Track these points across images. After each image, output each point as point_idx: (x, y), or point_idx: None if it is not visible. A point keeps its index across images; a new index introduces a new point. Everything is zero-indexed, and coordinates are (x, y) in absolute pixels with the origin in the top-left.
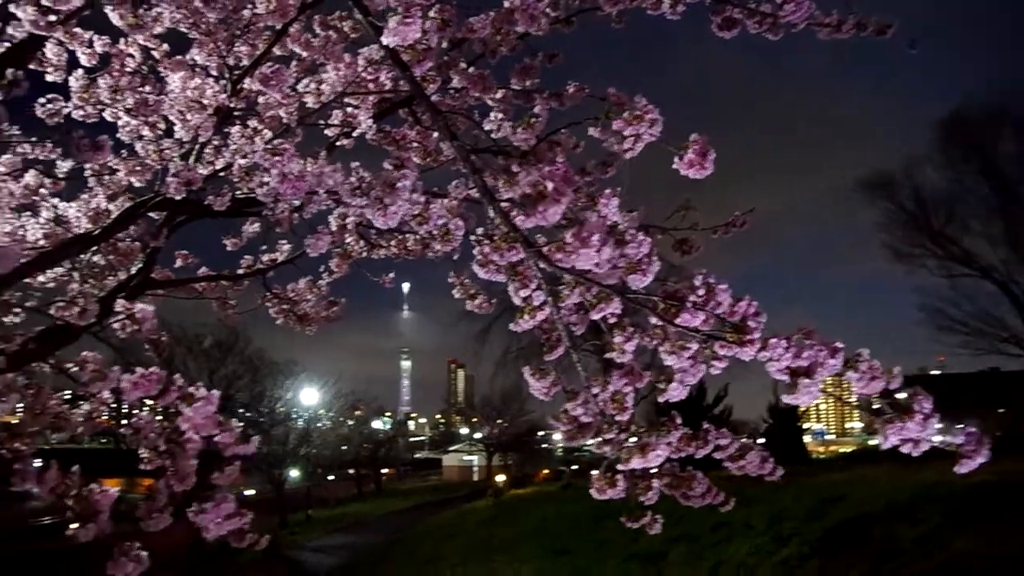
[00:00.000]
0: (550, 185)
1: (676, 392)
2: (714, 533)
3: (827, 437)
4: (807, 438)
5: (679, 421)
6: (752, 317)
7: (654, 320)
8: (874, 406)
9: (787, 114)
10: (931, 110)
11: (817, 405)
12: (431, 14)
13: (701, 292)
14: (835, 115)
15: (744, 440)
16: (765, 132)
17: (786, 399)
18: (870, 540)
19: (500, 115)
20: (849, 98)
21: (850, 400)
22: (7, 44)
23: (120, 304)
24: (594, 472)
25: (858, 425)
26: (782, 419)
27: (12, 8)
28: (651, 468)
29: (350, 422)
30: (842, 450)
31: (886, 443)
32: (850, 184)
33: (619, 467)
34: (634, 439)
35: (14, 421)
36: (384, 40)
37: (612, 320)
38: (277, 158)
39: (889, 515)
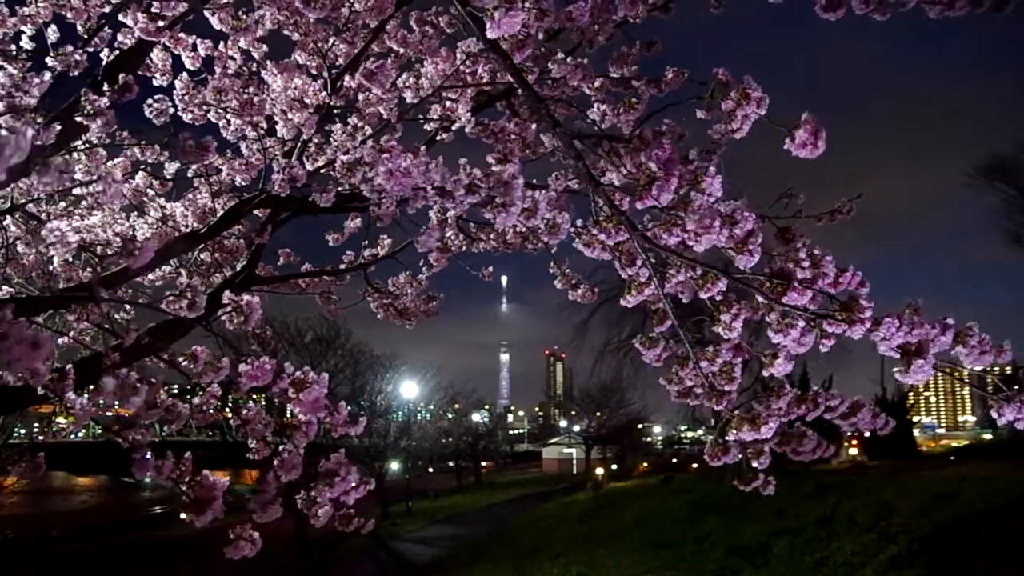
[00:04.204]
0: (653, 166)
1: (781, 367)
2: (817, 528)
3: (937, 431)
4: (916, 432)
5: (786, 389)
6: (859, 289)
7: (761, 298)
8: (988, 388)
9: (893, 105)
10: None
11: (927, 397)
12: (527, 4)
13: (807, 264)
14: (945, 104)
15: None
16: (870, 125)
17: (898, 377)
18: (985, 539)
19: (599, 104)
20: (956, 86)
21: (963, 379)
22: (118, 51)
23: (227, 296)
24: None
25: (971, 419)
26: (890, 411)
27: (121, 17)
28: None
29: (450, 415)
30: (954, 444)
31: (1002, 419)
32: (968, 170)
33: (729, 437)
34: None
35: (127, 414)
36: (489, 33)
37: (719, 298)
38: (384, 155)
39: (1006, 513)
